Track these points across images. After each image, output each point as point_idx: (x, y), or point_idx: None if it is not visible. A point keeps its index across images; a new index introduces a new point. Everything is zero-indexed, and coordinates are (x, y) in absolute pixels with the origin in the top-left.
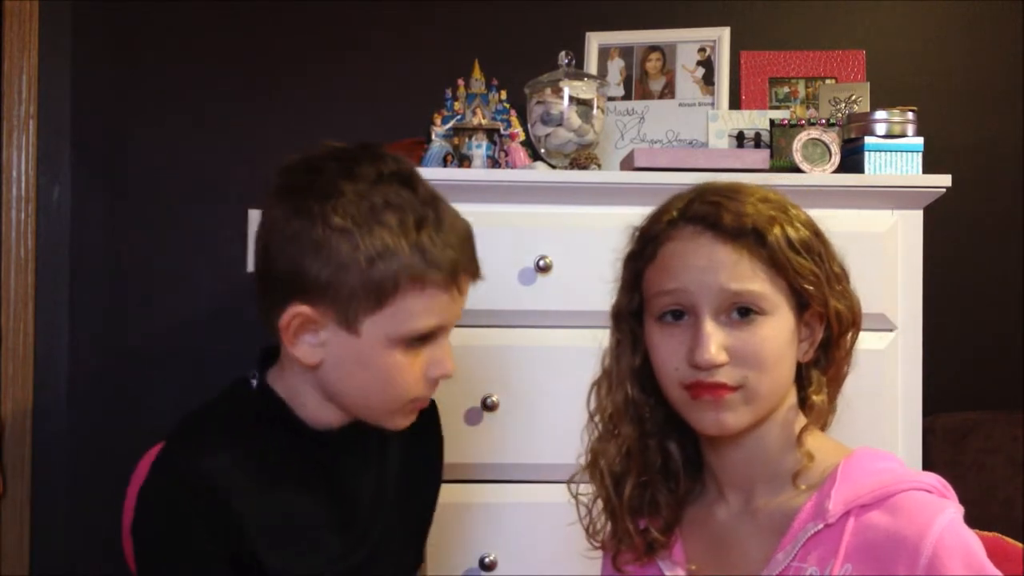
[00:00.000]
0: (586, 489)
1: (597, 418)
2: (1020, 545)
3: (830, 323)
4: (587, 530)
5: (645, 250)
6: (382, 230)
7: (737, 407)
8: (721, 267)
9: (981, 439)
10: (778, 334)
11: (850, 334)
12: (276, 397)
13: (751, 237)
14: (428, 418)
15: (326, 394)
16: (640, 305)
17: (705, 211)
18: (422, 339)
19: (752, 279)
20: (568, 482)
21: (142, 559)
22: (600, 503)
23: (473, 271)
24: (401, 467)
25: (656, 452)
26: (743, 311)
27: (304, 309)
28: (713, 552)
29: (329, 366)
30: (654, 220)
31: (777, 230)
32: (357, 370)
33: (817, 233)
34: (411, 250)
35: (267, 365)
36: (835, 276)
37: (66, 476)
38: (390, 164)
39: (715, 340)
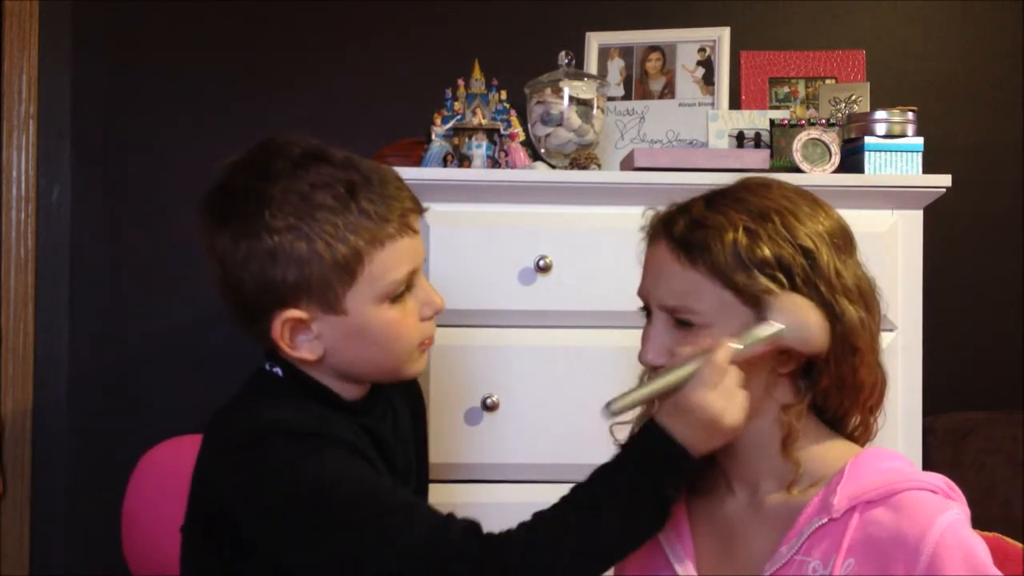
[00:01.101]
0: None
1: None
2: (1020, 545)
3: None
4: None
5: (647, 244)
6: (323, 212)
7: None
8: (663, 278)
9: (981, 439)
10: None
11: (832, 356)
12: (310, 378)
13: (695, 249)
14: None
15: (340, 376)
16: None
17: (669, 216)
18: (403, 289)
19: (689, 293)
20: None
21: (322, 517)
22: None
23: (417, 207)
24: (411, 427)
25: None
26: (682, 321)
27: (289, 313)
28: (721, 544)
29: (333, 352)
30: (653, 216)
31: (728, 243)
32: (360, 344)
33: (805, 250)
34: (358, 217)
35: (278, 356)
36: (835, 285)
37: (66, 476)
38: (295, 149)
39: (656, 343)
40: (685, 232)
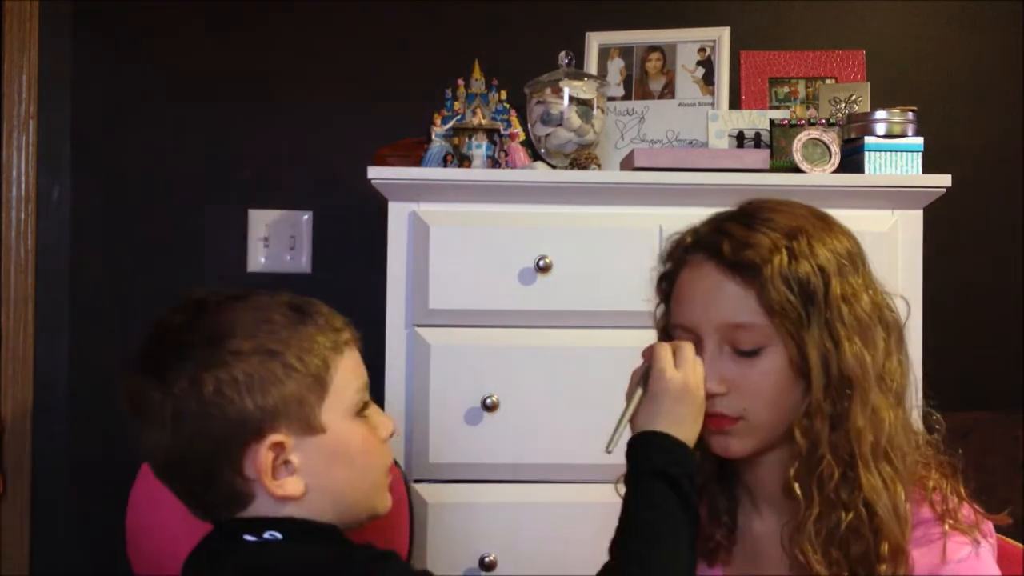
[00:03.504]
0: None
1: None
2: (1020, 545)
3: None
4: None
5: (670, 272)
6: (285, 330)
7: (741, 435)
8: (718, 302)
9: (981, 439)
10: (782, 366)
11: (824, 392)
12: (319, 523)
13: (747, 270)
14: None
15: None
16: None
17: (711, 239)
18: (363, 404)
19: (748, 315)
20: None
21: None
22: None
23: (349, 325)
24: None
25: (711, 461)
26: (741, 351)
27: (272, 438)
28: (748, 564)
29: (316, 486)
30: (678, 242)
31: (776, 263)
32: (339, 468)
33: (822, 270)
34: (314, 328)
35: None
36: (839, 317)
37: (66, 476)
38: (211, 293)
39: (713, 373)
40: (734, 253)
